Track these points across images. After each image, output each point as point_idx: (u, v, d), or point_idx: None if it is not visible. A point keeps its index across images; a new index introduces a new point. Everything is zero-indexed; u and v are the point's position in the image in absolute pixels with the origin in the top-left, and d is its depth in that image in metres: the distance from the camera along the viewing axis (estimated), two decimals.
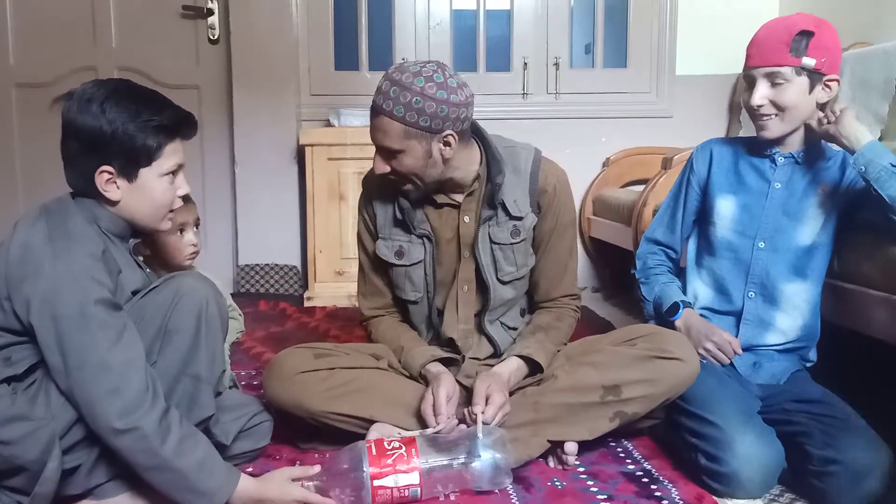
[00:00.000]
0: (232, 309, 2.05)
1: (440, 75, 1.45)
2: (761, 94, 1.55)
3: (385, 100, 1.44)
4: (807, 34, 1.50)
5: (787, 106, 1.54)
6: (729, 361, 1.61)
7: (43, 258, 1.19)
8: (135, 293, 1.30)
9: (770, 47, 1.53)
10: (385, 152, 1.50)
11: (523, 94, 3.43)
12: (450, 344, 1.67)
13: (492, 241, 1.61)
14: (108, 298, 1.21)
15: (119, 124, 1.23)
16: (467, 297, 1.64)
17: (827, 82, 1.54)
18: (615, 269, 3.39)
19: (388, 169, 1.51)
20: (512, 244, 1.61)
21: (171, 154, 1.30)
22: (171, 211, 1.36)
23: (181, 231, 1.88)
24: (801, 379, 1.62)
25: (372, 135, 1.50)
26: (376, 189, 1.65)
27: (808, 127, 1.58)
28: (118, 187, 1.28)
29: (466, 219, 1.61)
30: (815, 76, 1.53)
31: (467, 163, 1.57)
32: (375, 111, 1.47)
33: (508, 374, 1.55)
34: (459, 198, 1.61)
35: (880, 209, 1.46)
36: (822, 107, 1.56)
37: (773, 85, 1.54)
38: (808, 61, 1.50)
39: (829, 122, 1.51)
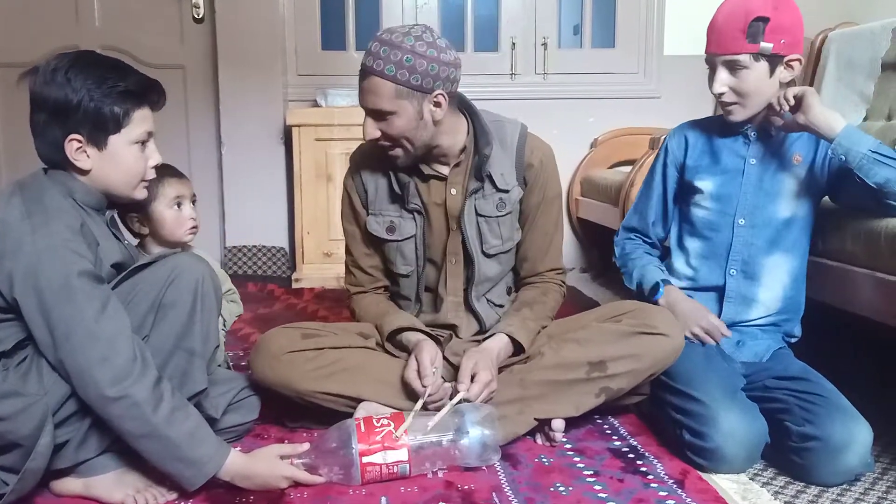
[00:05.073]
0: (232, 292, 2.05)
1: (429, 35, 1.46)
2: (721, 81, 1.55)
3: (375, 60, 1.43)
4: (762, 19, 1.48)
5: (749, 92, 1.54)
6: (716, 343, 1.61)
7: (22, 234, 1.19)
8: (115, 266, 1.30)
9: (727, 35, 1.51)
10: (376, 115, 1.48)
11: (511, 74, 3.42)
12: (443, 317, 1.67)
13: (478, 214, 1.61)
14: (91, 270, 1.21)
15: (85, 92, 1.24)
16: (455, 270, 1.65)
17: (789, 62, 1.53)
18: (603, 250, 3.40)
19: (378, 134, 1.50)
20: (498, 217, 1.62)
21: (140, 121, 1.30)
22: (144, 180, 1.36)
23: (179, 205, 1.86)
24: (783, 356, 1.63)
25: (362, 98, 1.48)
26: (366, 164, 1.64)
27: (771, 109, 1.55)
28: (88, 156, 1.28)
29: (453, 191, 1.62)
30: (774, 59, 1.52)
31: (455, 130, 1.58)
32: (366, 73, 1.46)
33: (497, 350, 1.56)
34: (445, 170, 1.61)
35: (866, 191, 1.45)
36: (785, 86, 1.54)
37: (733, 72, 1.53)
38: (766, 46, 1.49)
39: (786, 110, 1.49)
